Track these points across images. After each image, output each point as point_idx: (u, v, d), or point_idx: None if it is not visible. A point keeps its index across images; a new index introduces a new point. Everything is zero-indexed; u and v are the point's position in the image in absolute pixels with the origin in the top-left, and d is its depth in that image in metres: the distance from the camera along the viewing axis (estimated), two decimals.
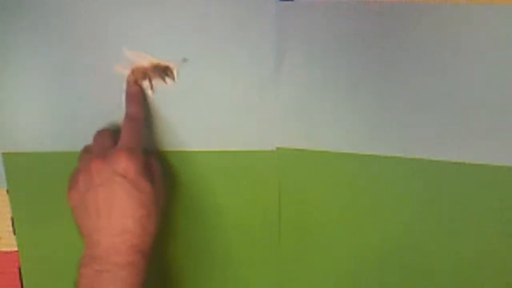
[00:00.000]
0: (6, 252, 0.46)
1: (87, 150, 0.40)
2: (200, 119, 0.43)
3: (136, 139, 0.39)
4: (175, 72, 0.41)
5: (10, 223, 0.46)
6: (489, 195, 0.42)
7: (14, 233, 0.46)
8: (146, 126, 0.42)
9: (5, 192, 0.45)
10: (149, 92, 0.42)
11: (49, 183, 0.44)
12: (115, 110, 0.42)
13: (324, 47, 0.41)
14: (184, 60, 0.40)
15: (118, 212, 0.36)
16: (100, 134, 0.41)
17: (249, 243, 0.45)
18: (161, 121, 0.43)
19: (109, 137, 0.40)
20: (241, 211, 0.44)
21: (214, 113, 0.43)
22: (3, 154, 0.44)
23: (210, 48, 0.41)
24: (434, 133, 0.41)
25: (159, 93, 0.42)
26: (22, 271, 0.46)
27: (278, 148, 0.43)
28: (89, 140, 0.43)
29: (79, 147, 0.42)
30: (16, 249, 0.46)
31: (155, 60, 0.41)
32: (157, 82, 0.42)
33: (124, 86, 0.42)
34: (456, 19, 0.39)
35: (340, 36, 0.40)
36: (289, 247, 0.45)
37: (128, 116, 0.40)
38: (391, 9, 0.39)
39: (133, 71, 0.42)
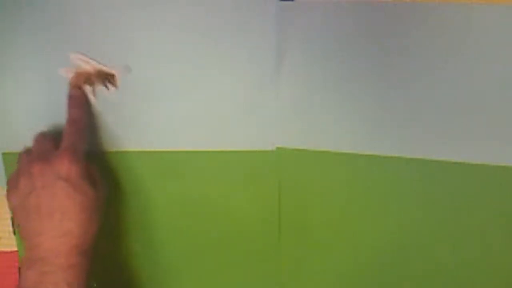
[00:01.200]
0: (6, 252, 0.46)
1: (27, 152, 0.40)
2: (200, 119, 0.43)
3: (78, 142, 0.39)
4: (117, 80, 0.42)
5: (10, 223, 0.45)
6: (489, 195, 0.42)
7: (14, 233, 0.46)
8: (155, 127, 0.43)
9: (5, 192, 0.45)
10: (91, 98, 0.42)
11: None
12: (121, 117, 0.42)
13: (324, 47, 0.41)
14: (127, 68, 0.41)
15: (60, 214, 0.37)
16: (40, 136, 0.41)
17: (249, 243, 0.45)
18: (162, 121, 0.43)
19: (50, 139, 0.40)
20: (241, 211, 0.44)
21: (214, 113, 0.43)
22: (3, 154, 0.44)
23: (210, 48, 0.41)
24: (434, 133, 0.41)
25: (159, 93, 0.42)
26: None
27: (278, 148, 0.43)
28: (88, 141, 0.43)
29: None
30: (16, 249, 0.46)
31: (99, 66, 0.41)
32: (99, 88, 0.42)
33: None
34: (456, 19, 0.39)
35: (340, 36, 0.40)
36: (289, 247, 0.45)
37: (70, 119, 0.40)
38: (391, 9, 0.39)
39: (77, 74, 0.42)
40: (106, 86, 0.41)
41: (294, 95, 0.42)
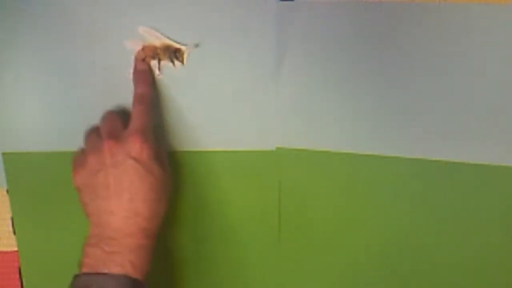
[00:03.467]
0: (6, 252, 0.46)
1: (94, 131, 0.40)
2: (200, 119, 0.43)
3: (147, 122, 0.38)
4: (185, 57, 0.41)
5: (10, 223, 0.45)
6: (489, 195, 0.42)
7: (14, 233, 0.46)
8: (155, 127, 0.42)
9: (5, 192, 0.45)
10: (156, 72, 0.42)
11: (49, 183, 0.44)
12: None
13: (324, 47, 0.41)
14: (196, 45, 0.40)
15: (130, 194, 0.36)
16: (108, 115, 0.40)
17: (249, 243, 0.45)
18: (161, 122, 0.43)
19: (118, 119, 0.40)
20: (241, 211, 0.44)
21: (214, 113, 0.43)
22: (3, 154, 0.44)
23: (210, 48, 0.41)
24: (434, 133, 0.41)
25: (159, 93, 0.42)
26: (22, 271, 0.46)
27: (278, 148, 0.43)
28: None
29: (79, 147, 0.42)
30: (16, 249, 0.46)
31: (167, 41, 0.41)
32: (166, 64, 0.41)
33: (132, 62, 0.41)
34: (456, 19, 0.39)
35: (340, 36, 0.40)
36: (289, 247, 0.45)
37: (138, 97, 0.40)
38: (391, 9, 0.39)
39: (143, 48, 0.41)
40: (172, 62, 0.40)
41: (294, 95, 0.42)
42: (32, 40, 0.42)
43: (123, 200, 0.36)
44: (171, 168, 0.40)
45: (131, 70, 0.41)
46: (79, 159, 0.39)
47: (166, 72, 0.42)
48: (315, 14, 0.40)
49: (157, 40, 0.40)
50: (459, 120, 0.41)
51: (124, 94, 0.42)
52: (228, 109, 0.42)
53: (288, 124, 0.42)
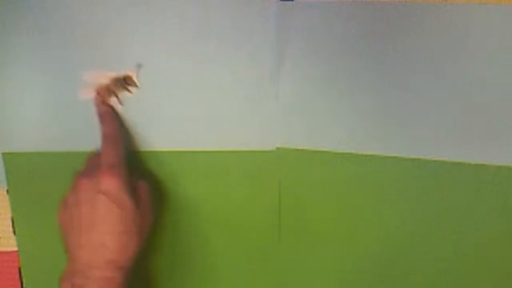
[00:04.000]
0: (6, 252, 0.46)
1: (79, 171, 0.41)
2: (200, 119, 0.43)
3: (116, 156, 0.39)
4: (135, 79, 0.42)
5: (10, 223, 0.46)
6: (489, 195, 0.42)
7: (14, 233, 0.46)
8: (155, 127, 0.43)
9: (5, 192, 0.45)
10: (119, 107, 0.42)
11: (49, 183, 0.44)
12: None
13: (324, 47, 0.41)
14: (139, 65, 0.41)
15: (97, 228, 0.37)
16: (91, 155, 0.42)
17: (249, 243, 0.45)
18: (161, 121, 0.43)
19: (99, 157, 0.40)
20: (241, 211, 0.44)
21: (214, 113, 0.43)
22: (3, 154, 0.44)
23: (210, 48, 0.41)
24: (434, 133, 0.41)
25: (159, 93, 0.42)
26: (22, 271, 0.46)
27: (278, 148, 0.43)
28: (88, 141, 0.43)
29: (79, 148, 0.42)
30: (16, 249, 0.46)
31: (112, 74, 0.42)
32: (122, 93, 0.42)
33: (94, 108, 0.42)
34: (456, 19, 0.39)
35: (340, 36, 0.40)
36: (289, 247, 0.45)
37: (104, 136, 0.41)
38: (391, 9, 0.39)
39: (97, 92, 0.42)
40: (128, 90, 0.41)
41: (294, 95, 0.42)
42: (32, 40, 0.42)
43: (91, 234, 0.37)
44: (154, 202, 0.41)
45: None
46: (64, 198, 0.40)
47: (166, 75, 0.42)
48: (315, 14, 0.40)
49: (104, 78, 0.41)
50: (459, 120, 0.41)
51: (124, 93, 0.42)
52: (228, 109, 0.42)
53: (288, 124, 0.42)
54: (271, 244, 0.45)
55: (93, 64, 0.42)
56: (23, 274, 0.47)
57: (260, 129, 0.43)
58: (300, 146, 0.43)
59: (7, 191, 0.45)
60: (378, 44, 0.40)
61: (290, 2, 0.40)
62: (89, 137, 0.43)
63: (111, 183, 0.37)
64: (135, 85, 0.41)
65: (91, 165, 0.40)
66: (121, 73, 0.41)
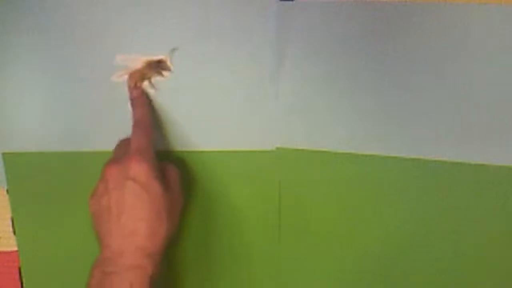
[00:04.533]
0: (6, 252, 0.46)
1: (107, 161, 0.41)
2: (200, 119, 0.43)
3: (145, 141, 0.39)
4: (169, 63, 0.41)
5: (10, 223, 0.46)
6: (489, 195, 0.42)
7: (14, 233, 0.46)
8: (155, 127, 0.43)
9: (5, 192, 0.45)
10: (151, 91, 0.42)
11: (49, 183, 0.44)
12: (110, 118, 0.42)
13: (324, 47, 0.41)
14: (173, 49, 0.40)
15: (127, 214, 0.36)
16: (118, 143, 0.41)
17: (249, 243, 0.45)
18: (162, 122, 0.43)
19: (126, 145, 0.40)
20: (241, 211, 0.44)
21: (214, 113, 0.43)
22: (3, 154, 0.44)
23: (210, 48, 0.41)
24: (434, 133, 0.41)
25: (158, 94, 0.42)
26: (22, 271, 0.46)
27: (278, 148, 0.43)
28: (88, 141, 0.43)
29: (79, 147, 0.42)
30: (16, 249, 0.46)
31: (146, 58, 0.41)
32: (155, 78, 0.42)
33: (127, 92, 0.42)
34: (456, 19, 0.39)
35: (340, 36, 0.40)
36: (289, 247, 0.45)
37: (135, 121, 0.40)
38: (391, 9, 0.39)
39: (130, 76, 0.42)
40: (161, 74, 0.41)
41: (294, 95, 0.42)
42: (32, 40, 0.42)
43: (122, 221, 0.36)
44: (182, 186, 0.40)
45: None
46: (94, 188, 0.39)
47: (165, 75, 0.42)
48: (315, 14, 0.40)
49: (137, 62, 0.41)
50: (459, 120, 0.41)
51: (124, 94, 0.42)
52: (228, 109, 0.42)
53: (288, 124, 0.42)
54: (271, 244, 0.45)
55: (94, 64, 0.42)
56: (23, 274, 0.47)
57: (260, 129, 0.43)
58: (300, 146, 0.43)
59: (7, 191, 0.45)
60: (378, 44, 0.40)
61: (290, 2, 0.40)
62: (89, 137, 0.43)
63: (140, 169, 0.37)
64: (169, 69, 0.41)
65: (119, 152, 0.39)
66: (155, 56, 0.41)
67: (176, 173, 0.40)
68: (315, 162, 0.43)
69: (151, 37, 0.41)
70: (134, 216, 0.36)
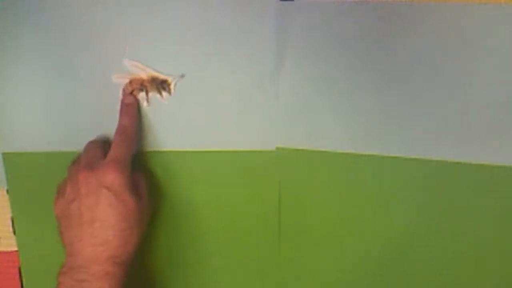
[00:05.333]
0: (6, 252, 0.46)
1: (76, 161, 0.41)
2: (200, 119, 0.43)
3: (126, 152, 0.39)
4: (171, 87, 0.41)
5: (10, 223, 0.46)
6: (489, 195, 0.42)
7: (14, 233, 0.46)
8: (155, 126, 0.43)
9: (5, 192, 0.45)
10: (144, 104, 0.42)
11: (49, 183, 0.44)
12: (110, 118, 0.42)
13: (324, 47, 0.41)
14: (182, 76, 0.40)
15: (100, 222, 0.37)
16: (89, 145, 0.41)
17: (249, 244, 0.45)
18: (162, 121, 0.43)
19: (99, 148, 0.40)
20: (241, 211, 0.44)
21: (214, 113, 0.43)
22: (3, 154, 0.44)
23: (210, 48, 0.41)
24: (434, 133, 0.41)
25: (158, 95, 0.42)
26: (22, 271, 0.46)
27: (278, 148, 0.43)
28: (89, 140, 0.43)
29: (79, 148, 0.42)
30: (16, 249, 0.46)
31: (153, 73, 0.41)
32: (153, 95, 0.42)
33: (120, 95, 0.42)
34: (457, 19, 0.39)
35: (340, 36, 0.40)
36: (289, 247, 0.45)
37: (121, 128, 0.40)
38: (391, 9, 0.39)
39: (131, 82, 0.42)
40: (160, 93, 0.41)
41: (294, 95, 0.42)
42: (32, 40, 0.42)
43: (93, 228, 0.37)
44: (151, 196, 0.41)
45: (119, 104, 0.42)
46: (60, 188, 0.39)
47: (165, 75, 0.42)
48: (315, 14, 0.40)
49: (143, 73, 0.41)
50: (459, 120, 0.41)
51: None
52: (228, 109, 0.42)
53: (288, 124, 0.42)
54: (271, 244, 0.45)
55: (93, 64, 0.42)
56: (23, 274, 0.47)
57: (260, 129, 0.43)
58: (300, 146, 0.43)
59: (7, 191, 0.45)
60: (378, 44, 0.40)
61: (290, 2, 0.40)
62: (89, 137, 0.43)
63: (116, 179, 0.37)
64: (169, 92, 0.41)
65: (91, 157, 0.39)
66: (162, 75, 0.41)
67: (144, 181, 0.40)
68: (315, 162, 0.43)
69: (151, 37, 0.41)
70: (107, 225, 0.37)
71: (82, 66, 0.42)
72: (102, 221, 0.37)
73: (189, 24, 0.41)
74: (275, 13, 0.40)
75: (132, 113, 0.41)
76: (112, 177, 0.37)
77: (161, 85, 0.41)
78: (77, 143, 0.43)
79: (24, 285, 0.47)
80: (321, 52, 0.41)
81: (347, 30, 0.40)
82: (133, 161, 0.40)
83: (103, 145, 0.41)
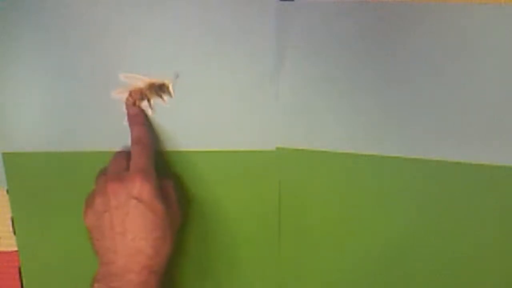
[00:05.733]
0: (6, 252, 0.46)
1: (103, 171, 0.41)
2: (200, 119, 0.43)
3: (147, 161, 0.39)
4: (170, 89, 0.42)
5: (10, 223, 0.46)
6: (489, 195, 0.42)
7: (14, 233, 0.46)
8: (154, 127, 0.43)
9: (5, 192, 0.45)
10: (149, 112, 0.42)
11: (49, 183, 0.44)
12: (110, 118, 0.42)
13: (324, 47, 0.41)
14: (176, 75, 0.40)
15: (132, 234, 0.37)
16: (116, 155, 0.42)
17: (249, 244, 0.45)
18: (161, 121, 0.43)
19: (125, 158, 0.40)
20: (241, 211, 0.44)
21: (214, 113, 0.43)
22: (3, 154, 0.44)
23: (210, 48, 0.41)
24: (434, 133, 0.41)
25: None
26: (22, 271, 0.46)
27: (278, 148, 0.43)
28: (88, 141, 0.43)
29: (79, 148, 0.42)
30: (16, 249, 0.46)
31: (149, 80, 0.42)
32: (155, 100, 0.42)
33: (124, 110, 0.42)
34: (457, 19, 0.39)
35: (340, 36, 0.40)
36: (289, 247, 0.45)
37: (134, 139, 0.41)
38: (391, 9, 0.39)
39: (130, 93, 0.42)
40: (161, 98, 0.41)
41: (294, 95, 0.42)
42: (32, 40, 0.42)
43: (126, 240, 0.37)
44: (180, 201, 0.41)
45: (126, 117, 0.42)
46: (89, 199, 0.40)
47: (165, 75, 0.42)
48: (315, 14, 0.40)
49: (140, 82, 0.41)
50: (459, 120, 0.41)
51: (124, 94, 0.42)
52: (228, 109, 0.42)
53: (288, 124, 0.42)
54: (271, 244, 0.45)
55: (93, 64, 0.42)
56: (23, 274, 0.47)
57: (260, 129, 0.43)
58: (300, 146, 0.43)
59: (7, 191, 0.45)
60: (378, 44, 0.40)
61: (290, 2, 0.40)
62: (89, 137, 0.43)
63: (144, 189, 0.37)
64: (170, 95, 0.41)
65: (118, 168, 0.40)
66: (158, 79, 0.41)
67: (172, 188, 0.41)
68: (315, 162, 0.43)
69: (151, 38, 0.41)
70: (139, 236, 0.37)
71: (82, 66, 0.42)
72: (134, 232, 0.37)
73: (189, 24, 0.41)
74: (275, 13, 0.40)
75: (141, 121, 0.42)
76: (139, 187, 0.37)
77: (160, 89, 0.41)
78: (77, 143, 0.43)
79: (24, 285, 0.47)
80: (321, 52, 0.41)
81: (347, 30, 0.40)
82: (157, 168, 0.40)
83: (128, 156, 0.41)
